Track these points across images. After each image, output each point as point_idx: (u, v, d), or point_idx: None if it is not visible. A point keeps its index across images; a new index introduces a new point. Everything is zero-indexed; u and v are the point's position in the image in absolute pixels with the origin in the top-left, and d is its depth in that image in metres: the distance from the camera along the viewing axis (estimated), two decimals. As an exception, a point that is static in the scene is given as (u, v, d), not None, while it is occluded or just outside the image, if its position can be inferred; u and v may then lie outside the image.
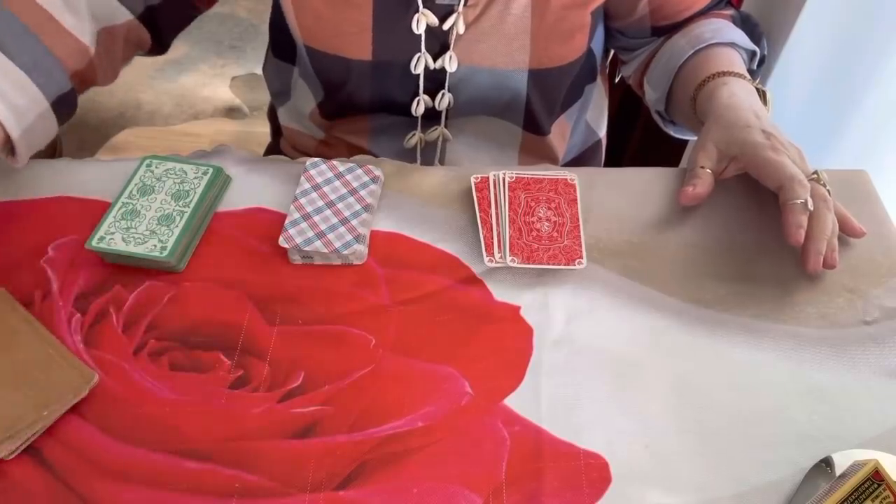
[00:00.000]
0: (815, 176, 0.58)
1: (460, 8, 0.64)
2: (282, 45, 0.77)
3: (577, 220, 0.60)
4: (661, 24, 0.72)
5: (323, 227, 0.58)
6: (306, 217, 0.58)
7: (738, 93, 0.62)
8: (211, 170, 0.61)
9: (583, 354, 0.53)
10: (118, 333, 0.54)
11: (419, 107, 0.71)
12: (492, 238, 0.58)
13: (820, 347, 0.54)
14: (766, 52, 0.73)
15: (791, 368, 0.53)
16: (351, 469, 0.48)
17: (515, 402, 0.51)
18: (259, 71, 0.85)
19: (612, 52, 0.87)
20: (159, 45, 0.72)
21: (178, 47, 2.01)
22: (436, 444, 0.49)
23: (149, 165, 0.61)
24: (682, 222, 0.62)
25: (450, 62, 0.67)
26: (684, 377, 0.52)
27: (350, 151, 0.77)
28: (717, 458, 0.48)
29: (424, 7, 0.64)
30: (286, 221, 0.58)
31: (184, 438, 0.49)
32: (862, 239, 0.60)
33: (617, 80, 0.94)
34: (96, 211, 0.60)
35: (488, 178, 0.62)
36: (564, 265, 0.57)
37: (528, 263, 0.57)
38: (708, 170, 0.60)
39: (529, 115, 0.73)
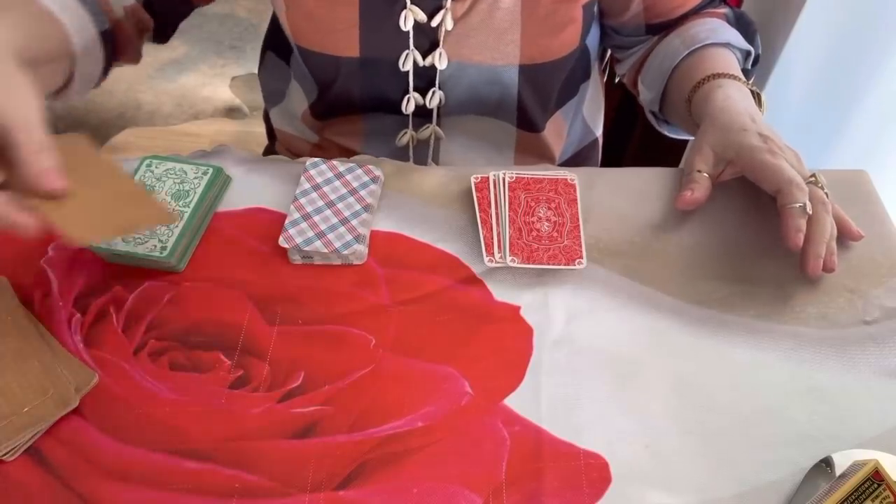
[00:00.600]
0: (812, 179, 0.58)
1: (448, 4, 0.64)
2: (279, 43, 0.77)
3: (577, 220, 0.60)
4: (655, 21, 0.72)
5: (323, 227, 0.58)
6: (306, 217, 0.58)
7: (733, 95, 0.62)
8: (211, 170, 0.61)
9: (583, 354, 0.53)
10: (118, 333, 0.54)
11: (409, 104, 0.70)
12: (492, 238, 0.58)
13: (820, 347, 0.54)
14: (760, 52, 0.73)
15: (791, 368, 0.53)
16: (351, 469, 0.48)
17: (515, 402, 0.51)
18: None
19: (608, 51, 0.87)
20: (160, 33, 0.74)
21: (178, 47, 2.01)
22: (436, 444, 0.49)
23: (149, 165, 0.61)
24: (682, 222, 0.62)
25: (440, 59, 0.67)
26: (684, 377, 0.52)
27: (343, 154, 0.77)
28: (717, 458, 0.48)
29: (412, 3, 0.64)
30: (286, 221, 0.58)
31: (184, 438, 0.49)
32: (862, 239, 0.60)
33: (617, 81, 0.94)
34: (96, 211, 0.60)
35: (488, 178, 0.62)
36: (564, 265, 0.57)
37: (528, 263, 0.57)
38: (705, 174, 0.60)
39: (522, 112, 0.73)
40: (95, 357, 0.53)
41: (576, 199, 0.61)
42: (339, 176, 0.62)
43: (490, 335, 0.54)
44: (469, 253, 0.59)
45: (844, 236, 0.59)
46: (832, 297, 0.57)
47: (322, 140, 0.79)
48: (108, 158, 0.54)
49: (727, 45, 0.68)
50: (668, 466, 0.48)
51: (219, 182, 0.62)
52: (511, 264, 0.57)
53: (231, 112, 1.86)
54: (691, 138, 0.74)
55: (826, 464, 0.48)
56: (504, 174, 0.62)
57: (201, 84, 1.91)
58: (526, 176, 0.62)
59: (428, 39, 0.66)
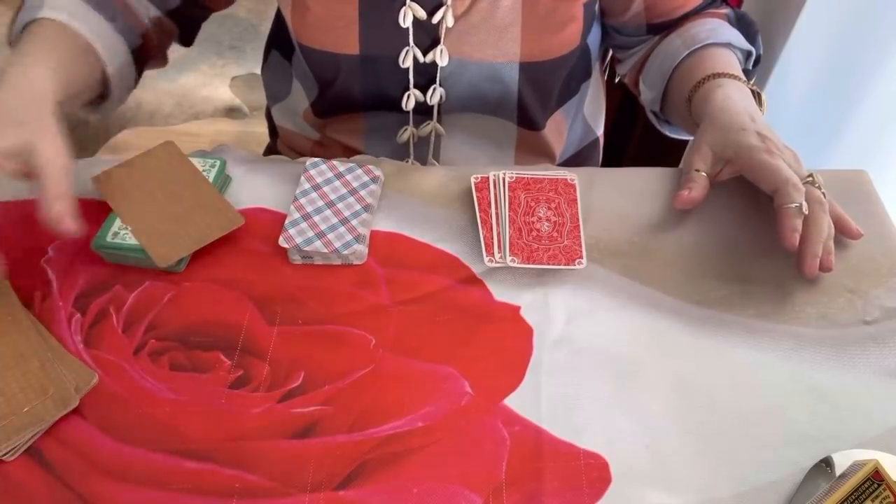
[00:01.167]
0: (810, 178, 0.58)
1: (449, 0, 0.64)
2: (283, 41, 0.77)
3: (577, 220, 0.60)
4: (656, 21, 0.72)
5: (323, 227, 0.58)
6: (306, 217, 0.58)
7: (733, 95, 0.62)
8: (218, 162, 0.62)
9: (583, 354, 0.53)
10: (118, 333, 0.54)
11: (410, 101, 0.70)
12: (492, 238, 0.58)
13: (820, 347, 0.54)
14: (761, 52, 0.73)
15: (791, 368, 0.53)
16: (351, 469, 0.48)
17: (515, 402, 0.51)
18: (259, 71, 0.86)
19: (609, 50, 0.87)
20: (186, 39, 0.79)
21: (178, 47, 2.01)
22: (436, 444, 0.49)
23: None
24: (682, 222, 0.62)
25: (441, 56, 0.67)
26: (684, 377, 0.52)
27: (344, 152, 0.78)
28: (717, 458, 0.48)
29: (411, 0, 0.64)
30: (286, 221, 0.58)
31: (184, 438, 0.49)
32: (862, 239, 0.60)
33: (617, 80, 0.94)
34: (96, 211, 0.60)
35: (488, 178, 0.62)
36: (564, 265, 0.57)
37: (528, 263, 0.57)
38: (703, 173, 0.60)
39: (522, 109, 0.73)
40: (95, 357, 0.53)
41: (576, 199, 0.61)
42: (339, 176, 0.62)
43: (490, 335, 0.54)
44: (469, 253, 0.59)
45: (844, 234, 0.59)
46: (832, 297, 0.57)
47: (323, 137, 0.80)
48: (192, 164, 0.61)
49: (728, 45, 0.68)
50: (668, 466, 0.48)
51: (219, 182, 0.62)
52: (511, 264, 0.57)
53: (231, 112, 1.86)
54: (692, 138, 0.73)
55: (826, 464, 0.48)
56: (504, 174, 0.62)
57: (201, 84, 1.91)
58: (526, 176, 0.62)
59: (428, 36, 0.66)
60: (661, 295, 0.57)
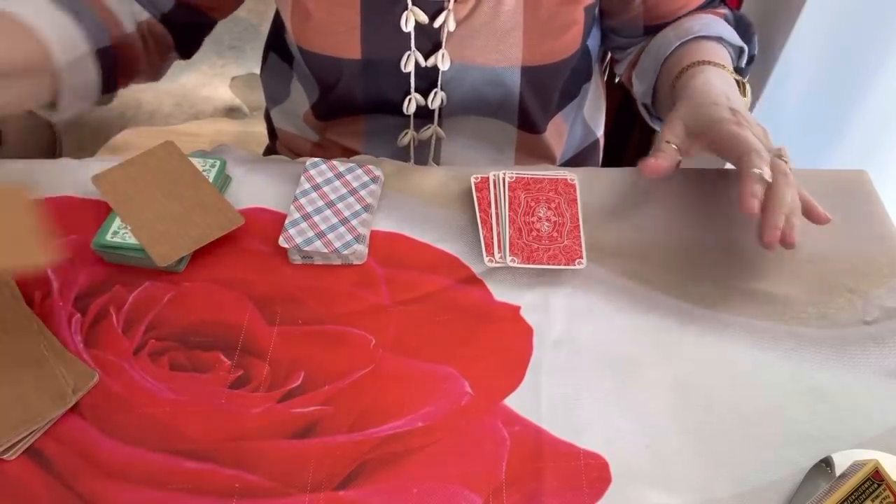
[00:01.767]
0: (778, 153, 0.56)
1: (450, 5, 0.64)
2: (282, 44, 0.77)
3: (577, 220, 0.60)
4: (655, 23, 0.72)
5: (323, 227, 0.58)
6: (306, 217, 0.58)
7: (714, 80, 0.62)
8: (218, 162, 0.62)
9: (583, 354, 0.53)
10: (118, 333, 0.54)
11: (411, 105, 0.70)
12: (492, 238, 0.58)
13: (820, 347, 0.54)
14: (755, 52, 0.73)
15: (791, 368, 0.53)
16: (351, 469, 0.48)
17: (515, 402, 0.51)
18: (259, 71, 0.86)
19: (608, 52, 0.87)
20: (184, 50, 0.77)
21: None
22: (436, 444, 0.49)
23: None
24: (682, 222, 0.62)
25: (442, 60, 0.67)
26: (684, 377, 0.52)
27: (344, 155, 0.78)
28: (717, 458, 0.48)
29: (413, 4, 0.64)
30: (286, 221, 0.58)
31: (184, 438, 0.49)
32: (862, 239, 0.60)
33: (617, 81, 0.94)
34: (96, 211, 0.60)
35: (488, 178, 0.62)
36: (564, 265, 0.57)
37: (528, 263, 0.57)
38: (673, 145, 0.59)
39: (523, 113, 0.73)
40: (95, 357, 0.53)
41: (576, 199, 0.61)
42: (339, 176, 0.62)
43: (490, 335, 0.54)
44: (469, 253, 0.59)
45: (812, 219, 0.57)
46: (832, 297, 0.57)
47: (323, 140, 0.79)
48: (192, 164, 0.61)
49: (719, 38, 0.68)
50: (667, 466, 0.48)
51: (222, 178, 0.62)
52: (511, 264, 0.57)
53: (231, 112, 1.86)
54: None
55: (826, 464, 0.48)
56: (504, 174, 0.62)
57: (201, 84, 1.91)
58: (526, 176, 0.62)
59: (430, 40, 0.66)
60: (661, 295, 0.57)
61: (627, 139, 1.12)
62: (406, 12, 0.64)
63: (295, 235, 0.57)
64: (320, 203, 0.60)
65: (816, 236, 0.61)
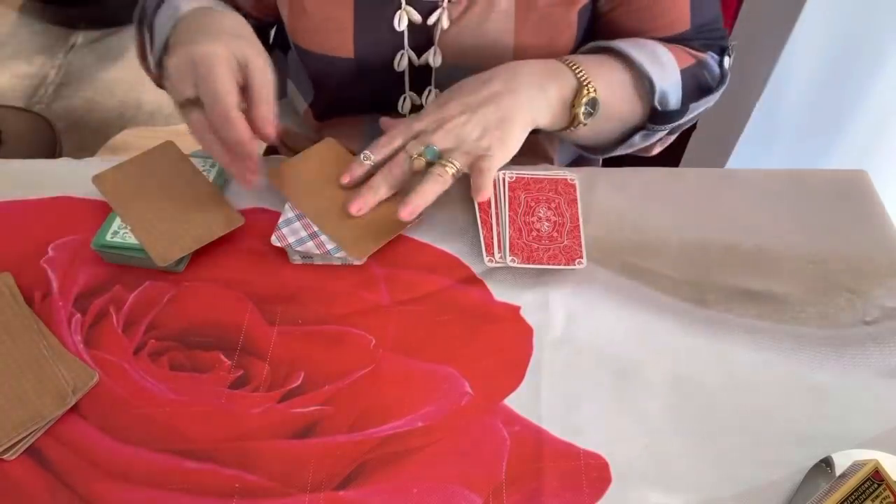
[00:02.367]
0: (421, 153, 0.57)
1: (444, 3, 0.64)
2: (284, 41, 0.77)
3: (577, 220, 0.59)
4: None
5: (316, 227, 0.58)
6: (300, 217, 0.58)
7: (512, 64, 0.60)
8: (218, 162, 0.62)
9: (583, 354, 0.53)
10: (118, 333, 0.54)
11: (405, 104, 0.70)
12: (492, 238, 0.58)
13: (820, 347, 0.54)
14: (694, 106, 0.65)
15: (791, 368, 0.53)
16: (351, 469, 0.48)
17: (515, 402, 0.51)
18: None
19: None
20: None
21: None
22: (436, 444, 0.49)
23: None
24: (682, 222, 0.62)
25: (433, 57, 0.67)
26: (684, 377, 0.52)
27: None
28: (717, 457, 0.48)
29: (406, 3, 0.64)
30: (280, 220, 0.58)
31: (184, 438, 0.49)
32: (862, 239, 0.60)
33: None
34: (96, 211, 0.60)
35: (488, 178, 0.62)
36: (564, 265, 0.57)
37: (528, 263, 0.57)
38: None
39: None
40: (95, 357, 0.53)
41: (576, 199, 0.61)
42: (339, 176, 0.62)
43: (490, 335, 0.54)
44: (469, 253, 0.59)
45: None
46: (832, 297, 0.57)
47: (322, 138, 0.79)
48: (192, 164, 0.62)
49: (627, 58, 0.62)
50: (667, 466, 0.48)
51: (222, 178, 0.62)
52: (511, 264, 0.57)
53: (231, 112, 1.85)
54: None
55: (826, 464, 0.48)
56: (504, 174, 0.62)
57: (201, 84, 1.90)
58: (526, 176, 0.62)
59: (423, 39, 0.66)
60: (661, 295, 0.57)
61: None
62: (399, 11, 0.64)
63: (288, 235, 0.57)
64: (319, 203, 0.60)
65: (816, 236, 0.61)
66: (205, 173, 0.61)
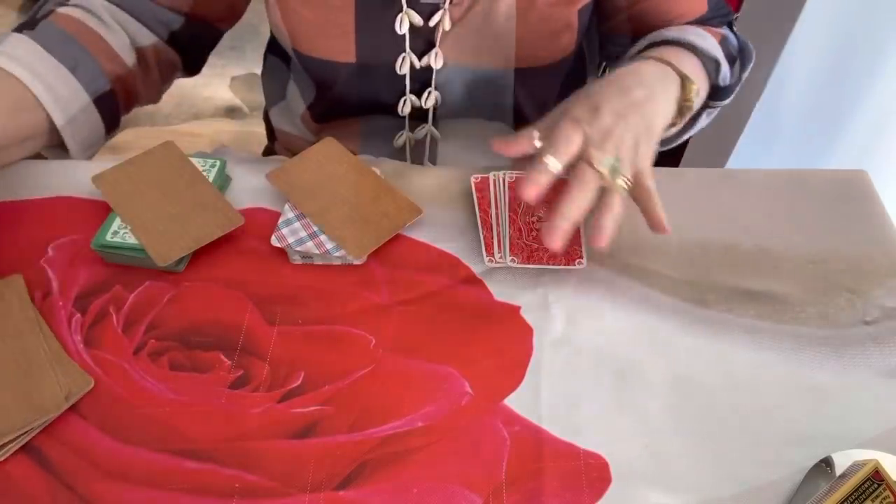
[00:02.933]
0: (609, 166, 0.51)
1: (446, 5, 0.64)
2: (280, 47, 0.77)
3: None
4: (642, 33, 0.69)
5: (315, 227, 0.58)
6: (300, 217, 0.58)
7: (643, 70, 0.57)
8: (218, 162, 0.62)
9: (583, 354, 0.53)
10: (118, 333, 0.54)
11: (405, 106, 0.70)
12: (492, 238, 0.58)
13: (820, 347, 0.54)
14: (742, 77, 0.69)
15: (791, 368, 0.53)
16: (351, 469, 0.48)
17: (515, 402, 0.51)
18: (259, 71, 0.86)
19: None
20: (191, 66, 0.77)
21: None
22: (436, 444, 0.49)
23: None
24: (682, 222, 0.62)
25: (435, 59, 0.67)
26: (684, 377, 0.52)
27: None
28: (716, 457, 0.48)
29: (408, 7, 0.64)
30: (279, 220, 0.58)
31: (184, 438, 0.49)
32: (862, 239, 0.60)
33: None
34: (96, 211, 0.60)
35: (488, 178, 0.62)
36: (564, 265, 0.57)
37: (528, 263, 0.57)
38: (535, 131, 0.54)
39: (518, 114, 0.72)
40: (95, 357, 0.53)
41: None
42: (339, 176, 0.62)
43: (490, 335, 0.54)
44: (469, 253, 0.59)
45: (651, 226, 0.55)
46: (832, 297, 0.57)
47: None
48: (192, 164, 0.61)
49: (690, 45, 0.63)
50: (667, 466, 0.48)
51: (222, 178, 0.62)
52: (511, 264, 0.57)
53: (231, 112, 1.86)
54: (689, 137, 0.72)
55: (826, 464, 0.48)
56: (504, 174, 0.62)
57: (201, 84, 1.91)
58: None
59: (424, 40, 0.66)
60: (661, 295, 0.57)
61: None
62: (401, 14, 0.64)
63: (287, 235, 0.57)
64: (320, 203, 0.60)
65: (816, 236, 0.61)
66: (205, 173, 0.61)
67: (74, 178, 0.63)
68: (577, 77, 0.77)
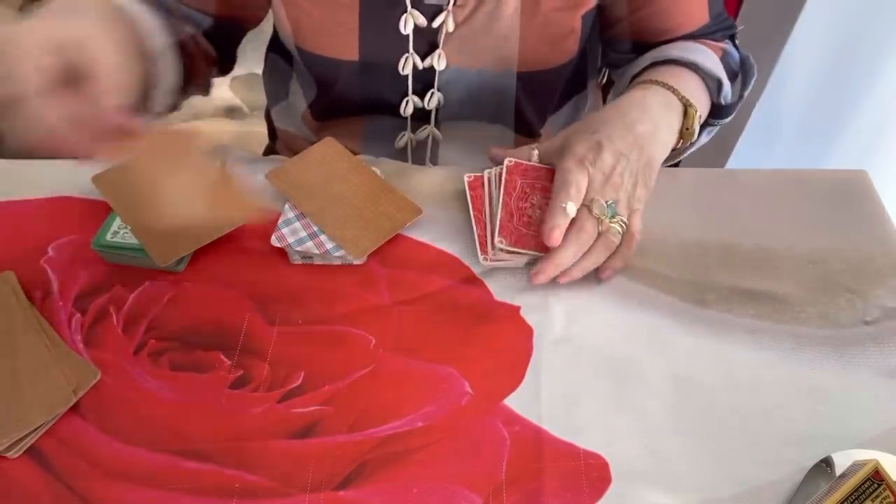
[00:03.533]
0: (604, 212, 0.54)
1: (450, 7, 0.64)
2: (282, 45, 0.77)
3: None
4: (642, 40, 0.69)
5: (315, 227, 0.58)
6: (300, 217, 0.58)
7: (648, 100, 0.59)
8: (217, 163, 0.61)
9: (583, 354, 0.53)
10: (118, 333, 0.54)
11: (408, 107, 0.70)
12: (486, 236, 0.58)
13: (820, 347, 0.54)
14: (745, 93, 0.69)
15: (791, 368, 0.53)
16: (351, 469, 0.48)
17: (515, 402, 0.51)
18: (259, 70, 0.86)
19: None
20: (223, 64, 0.74)
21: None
22: (436, 444, 0.49)
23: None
24: (682, 222, 0.62)
25: (438, 60, 0.67)
26: (684, 377, 0.52)
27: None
28: (716, 457, 0.48)
29: (412, 7, 0.64)
30: (279, 220, 0.58)
31: (184, 438, 0.49)
32: (862, 239, 0.60)
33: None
34: (96, 211, 0.60)
35: (482, 176, 0.62)
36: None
37: (516, 247, 0.56)
38: (535, 150, 0.60)
39: (520, 117, 0.72)
40: (95, 357, 0.53)
41: None
42: (339, 176, 0.62)
43: (490, 335, 0.54)
44: (469, 253, 0.59)
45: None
46: (832, 297, 0.57)
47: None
48: (202, 158, 0.58)
49: (692, 64, 0.64)
50: (667, 466, 0.48)
51: (219, 181, 0.62)
52: (499, 245, 0.56)
53: (231, 112, 1.85)
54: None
55: (826, 464, 0.48)
56: (504, 161, 0.61)
57: (201, 84, 1.90)
58: (525, 162, 0.61)
59: (427, 41, 0.66)
60: (661, 295, 0.57)
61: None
62: (405, 15, 0.64)
63: (287, 235, 0.57)
64: (320, 203, 0.60)
65: (816, 236, 0.61)
66: None
67: (74, 178, 0.63)
68: (577, 81, 0.77)
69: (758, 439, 0.49)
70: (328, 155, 0.63)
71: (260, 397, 0.51)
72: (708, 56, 0.65)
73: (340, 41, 0.66)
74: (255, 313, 0.55)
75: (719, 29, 0.70)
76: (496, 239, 0.56)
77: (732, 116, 0.69)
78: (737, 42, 0.72)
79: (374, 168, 0.62)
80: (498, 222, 0.57)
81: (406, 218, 0.59)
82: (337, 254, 0.56)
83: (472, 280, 0.58)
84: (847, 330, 0.55)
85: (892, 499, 0.43)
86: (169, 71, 0.59)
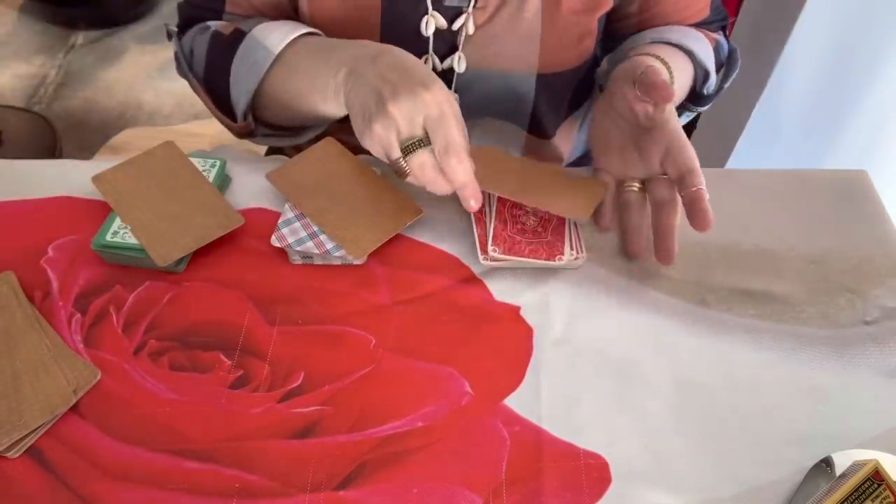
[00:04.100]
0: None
1: (470, 9, 0.64)
2: None
3: (564, 217, 0.59)
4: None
5: (315, 227, 0.58)
6: (300, 217, 0.58)
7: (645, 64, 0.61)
8: (218, 162, 0.62)
9: (583, 354, 0.53)
10: (118, 333, 0.54)
11: None
12: (485, 236, 0.58)
13: (820, 347, 0.54)
14: (723, 86, 0.74)
15: (791, 368, 0.53)
16: (351, 469, 0.48)
17: (515, 402, 0.51)
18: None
19: None
20: None
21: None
22: (436, 444, 0.49)
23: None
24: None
25: (458, 62, 0.67)
26: (684, 377, 0.52)
27: (353, 153, 0.77)
28: (717, 457, 0.49)
29: (433, 9, 0.64)
30: (279, 220, 0.58)
31: (184, 438, 0.49)
32: (862, 239, 0.60)
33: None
34: (96, 211, 0.60)
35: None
36: (545, 259, 0.57)
37: (509, 255, 0.57)
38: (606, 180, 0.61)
39: (535, 118, 0.73)
40: (95, 357, 0.53)
41: None
42: (339, 176, 0.62)
43: (490, 335, 0.54)
44: (469, 253, 0.59)
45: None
46: (832, 296, 0.57)
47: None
48: (192, 164, 0.61)
49: (689, 52, 0.67)
50: (668, 466, 0.48)
51: (222, 178, 0.62)
52: (493, 253, 0.57)
53: (231, 112, 1.85)
54: (691, 136, 0.73)
55: (826, 464, 0.48)
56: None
57: (201, 84, 1.90)
58: None
59: (447, 43, 0.66)
60: (661, 295, 0.57)
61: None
62: (427, 16, 0.64)
63: (287, 235, 0.57)
64: (320, 203, 0.60)
65: (816, 236, 0.61)
66: (205, 173, 0.61)
67: (74, 178, 0.63)
68: (591, 80, 0.77)
69: (758, 439, 0.49)
70: (328, 155, 0.63)
71: (260, 397, 0.51)
72: (703, 45, 0.68)
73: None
74: (255, 313, 0.55)
75: (716, 20, 0.73)
76: (490, 247, 0.57)
77: (709, 106, 0.74)
78: (728, 34, 0.75)
79: (374, 168, 0.62)
80: (491, 231, 0.57)
81: (406, 218, 0.59)
82: (337, 254, 0.56)
83: (472, 280, 0.58)
84: (847, 330, 0.55)
85: (892, 499, 0.43)
86: None
